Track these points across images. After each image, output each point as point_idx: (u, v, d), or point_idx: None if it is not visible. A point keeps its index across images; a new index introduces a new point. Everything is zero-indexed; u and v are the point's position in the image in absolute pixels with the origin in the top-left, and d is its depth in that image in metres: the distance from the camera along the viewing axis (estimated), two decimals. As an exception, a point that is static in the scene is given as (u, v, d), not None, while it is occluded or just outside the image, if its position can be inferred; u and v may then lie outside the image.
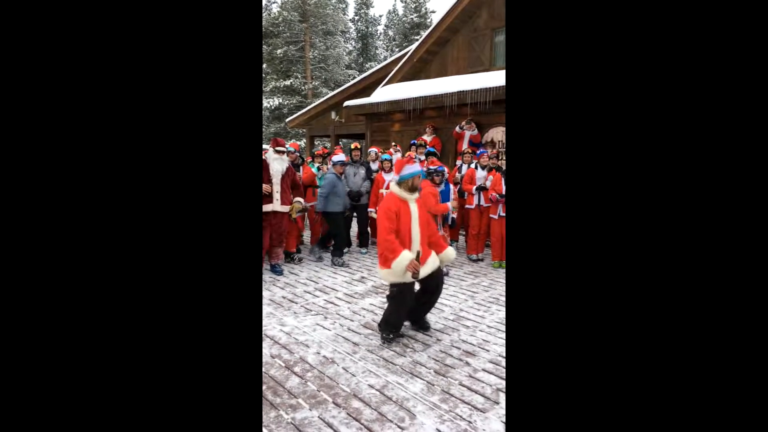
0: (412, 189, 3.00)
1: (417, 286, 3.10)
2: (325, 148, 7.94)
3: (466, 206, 5.50)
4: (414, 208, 3.00)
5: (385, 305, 3.79)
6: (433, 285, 3.10)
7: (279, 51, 23.06)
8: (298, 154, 5.61)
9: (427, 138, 7.20)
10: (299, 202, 4.79)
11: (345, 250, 5.81)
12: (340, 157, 5.24)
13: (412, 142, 6.48)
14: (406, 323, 3.26)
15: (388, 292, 3.08)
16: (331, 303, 3.88)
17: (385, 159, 5.54)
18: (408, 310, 3.07)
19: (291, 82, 23.26)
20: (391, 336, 3.03)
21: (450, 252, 3.18)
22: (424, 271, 2.97)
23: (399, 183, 3.00)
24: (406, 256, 2.82)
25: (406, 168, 3.03)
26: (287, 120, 13.32)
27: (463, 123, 6.82)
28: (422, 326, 3.25)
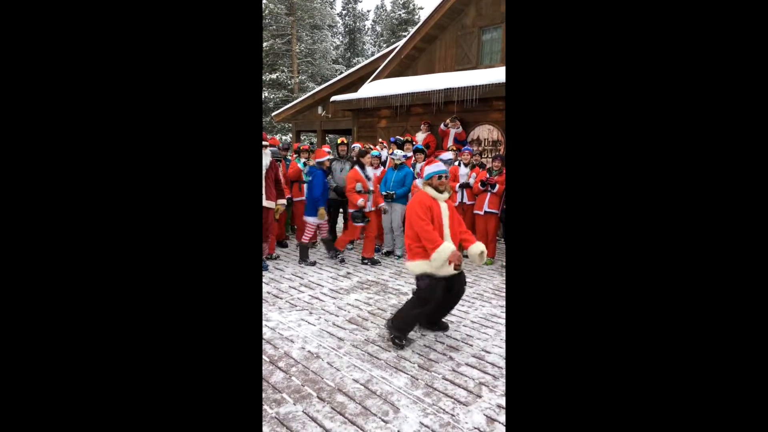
0: (435, 188, 2.96)
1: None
2: (309, 144, 7.89)
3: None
4: (444, 208, 2.98)
5: (371, 300, 3.81)
6: (458, 286, 3.04)
7: (265, 44, 22.77)
8: (277, 149, 5.51)
9: (422, 135, 7.19)
10: (282, 204, 4.76)
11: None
12: (448, 155, 4.98)
13: (392, 139, 6.43)
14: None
15: (415, 287, 2.96)
16: (316, 298, 3.87)
17: (374, 155, 5.52)
18: (428, 311, 2.94)
19: (277, 76, 23.00)
20: (404, 342, 2.88)
21: (478, 245, 3.04)
22: (453, 269, 2.90)
23: (424, 184, 3.03)
24: (447, 247, 2.75)
25: (426, 169, 3.05)
26: (273, 114, 13.18)
27: (448, 121, 6.85)
28: (441, 327, 3.17)
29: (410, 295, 3.03)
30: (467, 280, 4.53)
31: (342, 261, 5.14)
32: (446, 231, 2.94)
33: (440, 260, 2.75)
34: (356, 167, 5.07)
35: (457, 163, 5.55)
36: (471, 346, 2.96)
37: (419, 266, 2.88)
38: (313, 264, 5.05)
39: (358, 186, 4.94)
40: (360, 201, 4.88)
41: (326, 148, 5.62)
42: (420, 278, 2.91)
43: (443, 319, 3.24)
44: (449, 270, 2.86)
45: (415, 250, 2.90)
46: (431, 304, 2.90)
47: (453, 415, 2.15)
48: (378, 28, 32.73)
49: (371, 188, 5.05)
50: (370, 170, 5.10)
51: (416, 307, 2.90)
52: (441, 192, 2.98)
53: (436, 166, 3.02)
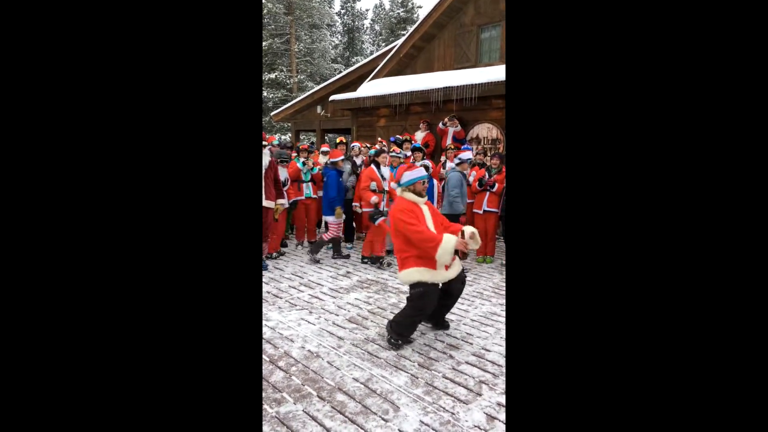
0: (418, 194, 2.97)
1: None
2: (309, 144, 7.90)
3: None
4: (426, 209, 2.97)
5: (370, 299, 3.82)
6: (458, 287, 3.04)
7: (263, 44, 22.74)
8: (281, 147, 5.50)
9: (421, 134, 7.18)
10: (282, 204, 4.77)
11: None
12: (468, 154, 4.93)
13: (391, 139, 6.43)
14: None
15: (408, 294, 2.95)
16: (316, 298, 3.88)
17: (373, 154, 5.53)
18: (426, 315, 2.97)
19: (276, 76, 22.98)
20: (400, 342, 2.88)
21: (468, 228, 3.00)
22: (452, 273, 2.91)
23: (403, 190, 2.98)
24: (450, 239, 2.71)
25: (406, 175, 3.00)
26: (272, 114, 13.17)
27: (446, 119, 6.85)
28: (443, 326, 3.17)
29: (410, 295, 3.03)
30: (467, 278, 4.53)
31: (389, 265, 4.95)
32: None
33: (448, 253, 2.71)
34: (372, 166, 5.07)
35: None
36: (471, 344, 2.96)
37: (412, 274, 2.84)
38: (318, 261, 5.06)
39: (373, 185, 4.91)
40: (374, 199, 4.86)
41: (325, 148, 5.61)
42: (413, 286, 2.88)
43: (445, 318, 3.24)
44: (448, 274, 2.87)
45: (406, 259, 2.86)
46: (427, 310, 2.89)
47: (453, 414, 2.16)
48: (377, 27, 32.71)
49: (386, 188, 5.04)
50: (385, 170, 5.10)
51: (413, 315, 2.88)
52: (422, 196, 2.99)
53: (418, 172, 3.00)
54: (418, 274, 2.82)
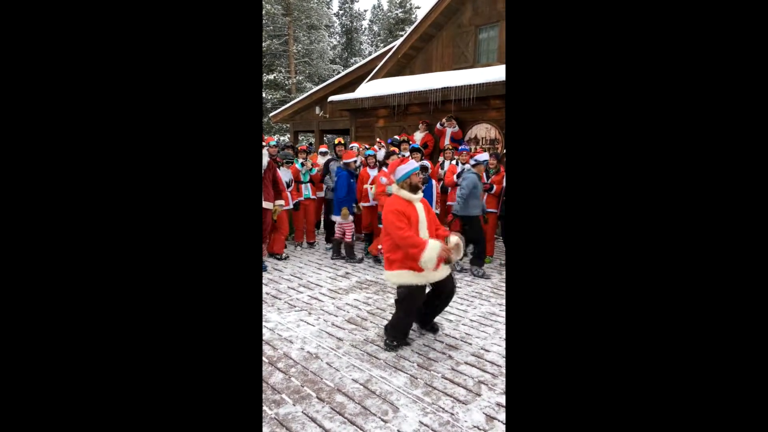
0: (414, 188, 2.86)
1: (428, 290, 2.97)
2: (308, 145, 7.89)
3: (448, 202, 5.54)
4: (420, 208, 2.88)
5: (369, 300, 3.82)
6: (448, 288, 2.97)
7: (262, 45, 22.72)
8: (281, 149, 5.51)
9: (420, 135, 7.18)
10: (280, 205, 4.79)
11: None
12: (484, 156, 4.84)
13: (389, 141, 6.43)
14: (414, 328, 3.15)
15: (396, 296, 2.92)
16: (315, 299, 3.87)
17: (369, 155, 5.53)
18: (416, 315, 2.95)
19: (274, 77, 22.97)
20: (396, 344, 2.87)
21: (453, 237, 2.98)
22: (439, 274, 2.84)
23: (400, 186, 2.88)
24: (434, 245, 2.66)
25: (399, 169, 2.90)
26: (271, 115, 13.17)
27: (444, 120, 6.86)
28: (432, 329, 3.12)
29: None
30: (466, 278, 4.54)
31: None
32: (425, 233, 2.85)
33: (431, 260, 2.66)
34: (383, 169, 5.07)
35: (454, 162, 5.55)
36: (470, 344, 2.96)
37: (396, 277, 2.82)
38: (361, 261, 5.13)
39: (389, 189, 4.90)
40: None
41: (323, 149, 5.60)
42: (399, 287, 2.87)
43: (435, 321, 3.21)
44: (434, 276, 2.82)
45: (393, 260, 2.83)
46: (416, 308, 2.89)
47: (452, 414, 2.16)
48: (375, 28, 32.73)
49: None
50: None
51: (404, 317, 2.88)
52: (417, 191, 2.88)
53: (411, 165, 2.89)
54: (403, 277, 2.80)
